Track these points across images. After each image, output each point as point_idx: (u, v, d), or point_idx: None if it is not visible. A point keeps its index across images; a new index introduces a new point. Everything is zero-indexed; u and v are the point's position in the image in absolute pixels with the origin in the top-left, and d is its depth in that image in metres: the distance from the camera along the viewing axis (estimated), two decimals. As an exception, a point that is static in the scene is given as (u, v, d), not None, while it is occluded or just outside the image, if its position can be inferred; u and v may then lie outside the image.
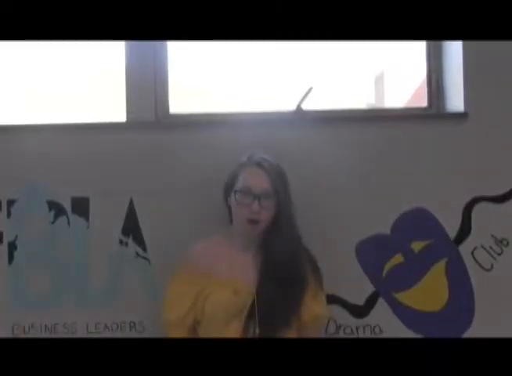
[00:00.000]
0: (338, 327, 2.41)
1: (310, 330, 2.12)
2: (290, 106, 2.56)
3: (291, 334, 2.06)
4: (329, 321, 2.39)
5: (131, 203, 2.41)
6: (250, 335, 2.01)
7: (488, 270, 2.42)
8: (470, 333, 2.39)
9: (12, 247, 2.41)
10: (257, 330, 2.01)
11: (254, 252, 2.12)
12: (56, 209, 2.42)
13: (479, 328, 2.38)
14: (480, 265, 2.42)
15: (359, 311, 2.42)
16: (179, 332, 2.09)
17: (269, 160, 2.09)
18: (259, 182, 2.05)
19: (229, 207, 2.13)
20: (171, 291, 2.12)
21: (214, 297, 2.05)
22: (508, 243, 2.43)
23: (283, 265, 2.06)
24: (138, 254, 2.42)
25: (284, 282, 2.04)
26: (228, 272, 2.08)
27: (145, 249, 2.42)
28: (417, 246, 2.42)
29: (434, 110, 2.58)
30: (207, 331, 2.07)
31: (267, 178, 2.05)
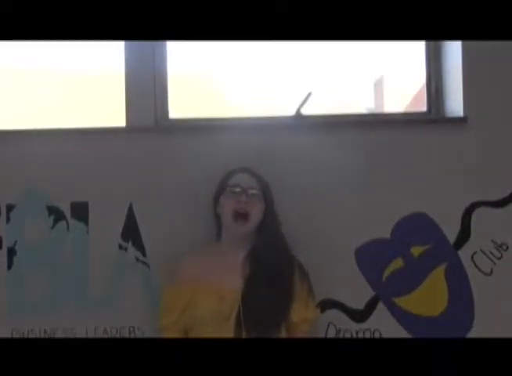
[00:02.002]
0: (338, 332, 2.41)
1: (299, 334, 2.13)
2: (290, 111, 2.57)
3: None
4: (328, 325, 2.39)
5: (130, 207, 2.41)
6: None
7: (487, 275, 2.42)
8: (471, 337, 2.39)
9: (11, 252, 2.41)
10: (244, 335, 2.03)
11: (242, 258, 2.15)
12: (56, 214, 2.41)
13: (479, 332, 2.38)
14: (480, 269, 2.42)
15: (359, 315, 2.41)
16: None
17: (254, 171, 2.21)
18: (247, 180, 2.16)
19: (218, 217, 2.21)
20: (163, 300, 2.18)
21: (201, 305, 2.09)
22: (508, 247, 2.42)
23: (270, 271, 2.10)
24: (137, 259, 2.41)
25: (271, 288, 2.07)
26: (215, 279, 2.11)
27: (144, 254, 2.41)
28: (417, 250, 2.42)
29: (434, 115, 2.58)
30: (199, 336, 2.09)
31: (254, 180, 2.17)
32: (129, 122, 2.50)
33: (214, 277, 2.11)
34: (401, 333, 2.40)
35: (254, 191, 2.14)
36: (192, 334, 2.13)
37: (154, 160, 2.43)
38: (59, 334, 2.39)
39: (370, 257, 2.41)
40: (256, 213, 2.13)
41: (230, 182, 2.17)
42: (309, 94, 2.54)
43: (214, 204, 2.23)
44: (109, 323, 2.40)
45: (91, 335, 2.39)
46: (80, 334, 2.39)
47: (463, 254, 2.42)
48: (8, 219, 2.42)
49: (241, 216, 2.11)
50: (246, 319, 2.04)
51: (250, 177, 2.18)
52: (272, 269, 2.10)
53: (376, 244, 2.41)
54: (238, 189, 2.13)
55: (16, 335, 2.40)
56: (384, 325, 2.41)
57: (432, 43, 2.57)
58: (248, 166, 2.22)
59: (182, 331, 2.14)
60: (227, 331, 2.05)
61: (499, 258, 2.42)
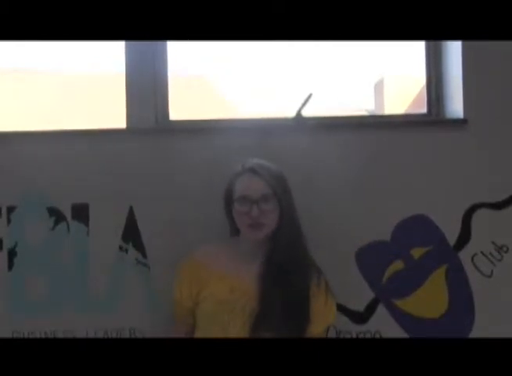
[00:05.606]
0: (338, 334, 2.41)
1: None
2: (290, 113, 2.57)
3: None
4: (329, 327, 2.39)
5: (131, 209, 2.41)
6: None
7: (488, 277, 2.42)
8: (471, 339, 2.39)
9: (12, 253, 2.41)
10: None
11: (258, 261, 2.09)
12: (56, 215, 2.41)
13: (479, 334, 2.38)
14: (480, 271, 2.42)
15: (359, 317, 2.42)
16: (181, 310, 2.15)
17: (264, 165, 2.09)
18: (254, 187, 2.04)
19: (232, 218, 2.12)
20: (177, 279, 2.16)
21: (211, 289, 2.06)
22: (508, 249, 2.42)
23: (285, 270, 2.04)
24: (138, 261, 2.41)
25: (286, 285, 2.03)
26: (228, 270, 2.08)
27: (145, 255, 2.41)
28: (417, 252, 2.42)
29: (434, 117, 2.58)
30: (208, 328, 2.06)
31: (262, 183, 2.04)
32: (129, 123, 2.50)
33: (227, 267, 2.09)
34: (401, 335, 2.40)
35: (264, 198, 2.02)
36: (199, 319, 2.10)
37: (155, 162, 2.43)
38: (60, 336, 2.39)
39: (371, 259, 2.41)
40: (271, 221, 2.04)
41: (237, 189, 2.06)
42: (310, 96, 2.54)
43: (226, 204, 2.13)
44: (109, 325, 2.40)
45: (91, 337, 2.39)
46: (80, 335, 2.39)
47: (464, 255, 2.42)
48: (8, 221, 2.42)
49: (256, 228, 2.04)
50: (261, 322, 2.00)
51: (258, 179, 2.05)
52: (287, 266, 2.04)
53: (376, 246, 2.41)
54: (248, 205, 2.02)
55: (16, 337, 2.40)
56: (385, 327, 2.41)
57: (432, 44, 2.57)
58: (256, 162, 2.11)
59: (192, 308, 2.11)
60: (234, 323, 2.01)
61: (499, 260, 2.42)
